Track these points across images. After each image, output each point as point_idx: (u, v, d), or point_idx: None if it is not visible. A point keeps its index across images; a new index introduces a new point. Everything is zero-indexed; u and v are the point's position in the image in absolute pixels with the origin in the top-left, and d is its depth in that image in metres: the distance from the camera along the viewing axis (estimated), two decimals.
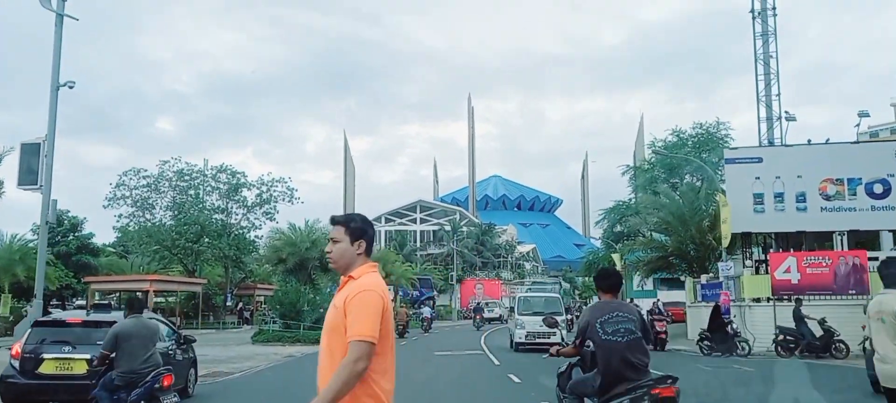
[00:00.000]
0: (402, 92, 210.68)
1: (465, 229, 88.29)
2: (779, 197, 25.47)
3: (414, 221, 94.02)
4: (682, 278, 30.56)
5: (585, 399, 6.07)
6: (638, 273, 34.03)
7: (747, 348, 21.32)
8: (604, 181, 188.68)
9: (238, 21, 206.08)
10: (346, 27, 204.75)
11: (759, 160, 25.95)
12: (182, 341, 12.64)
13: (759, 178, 25.57)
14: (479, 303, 61.16)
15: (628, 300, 31.49)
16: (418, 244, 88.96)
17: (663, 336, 24.23)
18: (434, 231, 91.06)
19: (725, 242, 24.73)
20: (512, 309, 28.50)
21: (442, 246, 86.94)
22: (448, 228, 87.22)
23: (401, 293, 55.90)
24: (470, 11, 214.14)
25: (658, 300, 28.36)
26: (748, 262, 25.85)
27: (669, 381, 5.35)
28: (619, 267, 56.77)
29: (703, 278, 28.22)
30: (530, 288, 49.06)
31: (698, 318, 27.37)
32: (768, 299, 23.80)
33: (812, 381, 15.97)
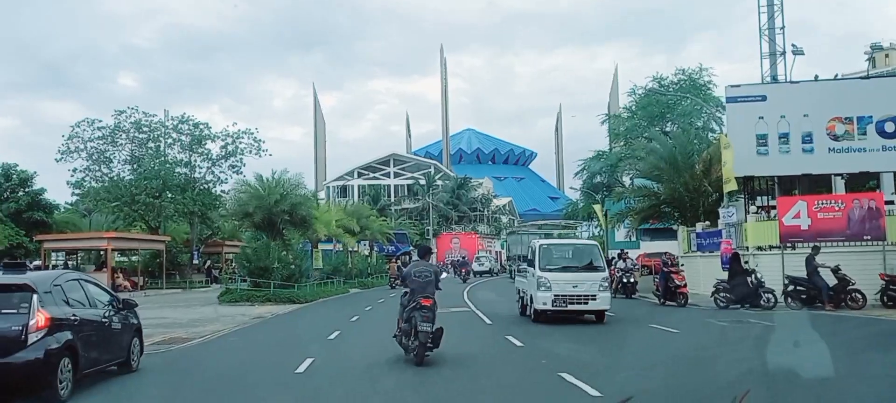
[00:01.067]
0: (370, 48, 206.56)
1: (440, 183, 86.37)
2: (783, 137, 23.65)
3: (387, 175, 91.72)
4: (675, 227, 28.87)
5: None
6: (628, 221, 32.24)
7: (772, 299, 19.54)
8: (576, 136, 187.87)
9: None
10: None
11: (763, 98, 24.03)
12: (121, 306, 10.51)
13: (762, 118, 23.67)
14: (464, 258, 59.66)
15: (618, 252, 30.04)
16: (392, 198, 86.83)
17: (683, 289, 22.23)
18: (408, 185, 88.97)
19: (728, 187, 22.95)
20: (523, 261, 23.77)
21: (417, 200, 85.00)
22: (423, 182, 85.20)
23: (376, 247, 53.91)
24: None
25: (668, 253, 26.64)
26: (753, 207, 24.11)
27: None
28: (600, 218, 55.57)
29: (699, 226, 26.55)
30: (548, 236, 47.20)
31: (694, 270, 25.83)
32: (773, 247, 22.21)
33: (846, 336, 14.39)
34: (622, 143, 59.32)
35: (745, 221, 23.69)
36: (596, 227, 77.50)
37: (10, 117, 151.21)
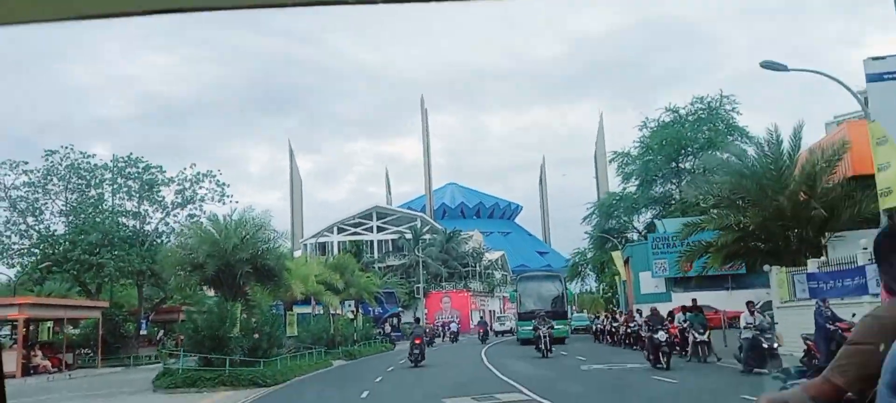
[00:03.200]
0: (344, 110, 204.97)
1: (427, 237, 78.89)
2: None
3: (370, 230, 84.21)
4: (767, 268, 21.74)
5: None
6: (707, 261, 25.00)
7: None
8: (558, 190, 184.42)
9: (168, 44, 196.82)
10: (282, 47, 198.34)
11: None
12: None
13: None
14: (482, 318, 58.76)
15: (650, 308, 23.20)
16: (376, 255, 79.23)
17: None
18: (393, 239, 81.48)
19: (888, 202, 15.84)
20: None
21: (403, 256, 77.43)
22: (409, 236, 77.71)
23: (362, 309, 46.20)
24: (405, 32, 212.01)
25: (749, 302, 19.14)
26: None
27: None
28: (618, 267, 48.66)
29: (812, 264, 19.53)
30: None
31: (792, 324, 18.89)
32: None
33: None
34: (637, 183, 52.95)
35: None
36: (599, 280, 70.74)
37: None
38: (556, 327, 30.00)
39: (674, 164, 50.92)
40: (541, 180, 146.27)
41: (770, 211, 21.13)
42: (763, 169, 21.75)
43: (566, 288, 40.49)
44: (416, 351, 24.41)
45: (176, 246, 27.96)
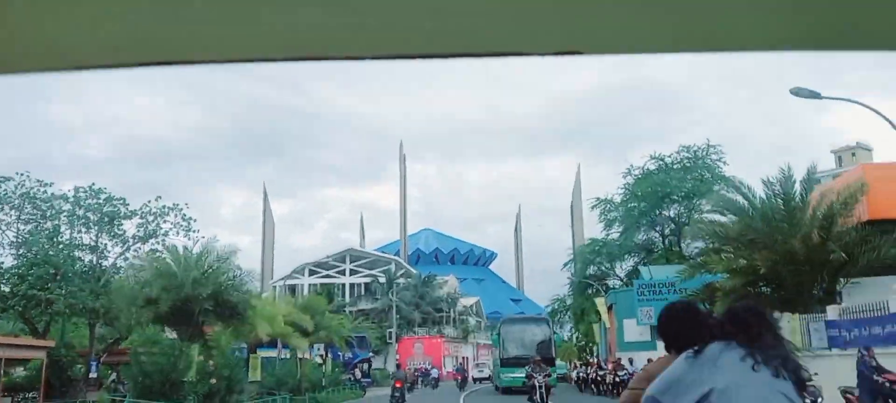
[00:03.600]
0: (321, 156, 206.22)
1: (401, 281, 76.52)
2: None
3: (343, 273, 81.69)
4: (777, 314, 20.13)
5: None
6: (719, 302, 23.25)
7: None
8: (532, 241, 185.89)
9: (152, 88, 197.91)
10: (264, 94, 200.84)
11: None
12: None
13: None
14: (460, 365, 58.19)
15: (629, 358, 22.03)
16: (347, 298, 76.65)
17: None
18: (366, 283, 78.98)
19: None
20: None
21: (375, 299, 74.91)
22: (382, 280, 75.35)
23: (332, 353, 43.67)
24: (388, 83, 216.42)
25: None
26: None
27: None
28: (603, 313, 46.89)
29: (832, 310, 17.87)
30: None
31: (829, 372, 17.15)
32: None
33: None
34: (621, 229, 51.49)
35: None
36: (572, 329, 69.03)
37: None
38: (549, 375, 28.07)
39: (658, 212, 49.62)
40: (516, 229, 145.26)
41: (781, 254, 19.50)
42: (773, 209, 20.21)
43: (554, 333, 37.67)
44: (397, 394, 22.77)
45: (129, 279, 25.48)
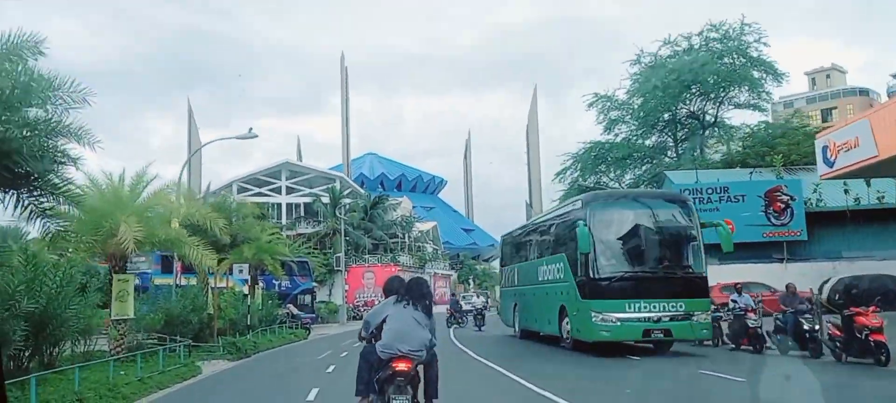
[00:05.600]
0: (256, 87, 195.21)
1: (347, 202, 65.16)
2: None
3: (279, 191, 70.14)
4: None
5: None
6: None
7: None
8: (479, 179, 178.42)
9: (76, 10, 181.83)
10: (195, 20, 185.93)
11: None
12: None
13: None
14: (454, 299, 43.04)
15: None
16: (284, 220, 65.37)
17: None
18: (307, 203, 67.57)
19: None
20: None
21: (317, 223, 63.70)
22: (326, 200, 64.01)
23: (263, 283, 32.71)
24: (322, 12, 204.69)
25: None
26: None
27: None
28: None
29: None
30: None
31: None
32: None
33: None
34: (636, 126, 41.46)
35: None
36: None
37: None
38: (695, 316, 16.81)
39: (675, 106, 39.69)
40: (465, 155, 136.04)
41: None
42: None
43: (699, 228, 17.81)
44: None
45: None
